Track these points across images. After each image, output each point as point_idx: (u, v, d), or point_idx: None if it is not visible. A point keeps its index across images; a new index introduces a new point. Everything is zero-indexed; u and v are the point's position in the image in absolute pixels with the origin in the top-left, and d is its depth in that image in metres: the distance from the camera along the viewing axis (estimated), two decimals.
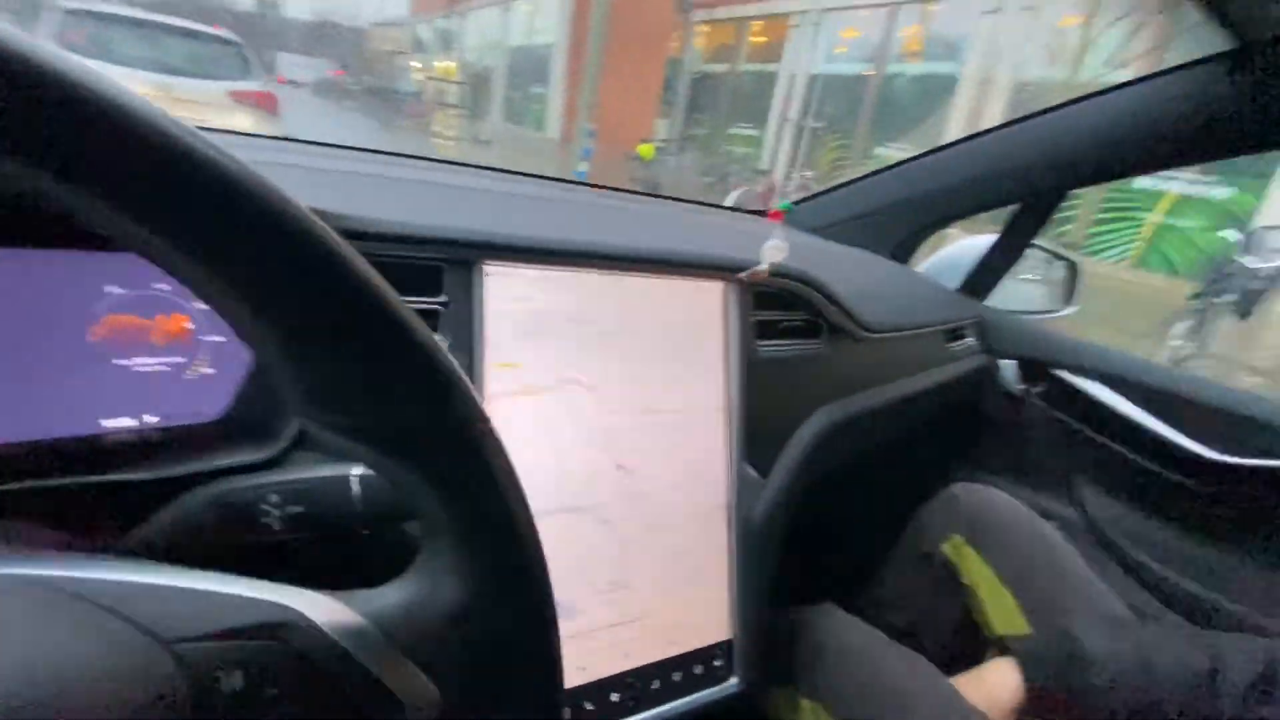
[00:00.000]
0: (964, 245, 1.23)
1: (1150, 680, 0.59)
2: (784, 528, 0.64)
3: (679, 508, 0.59)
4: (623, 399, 0.57)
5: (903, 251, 1.16)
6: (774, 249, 0.57)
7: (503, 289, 0.51)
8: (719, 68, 14.69)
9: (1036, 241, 1.13)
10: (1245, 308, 4.56)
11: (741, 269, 0.61)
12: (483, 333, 0.49)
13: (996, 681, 0.66)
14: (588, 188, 0.99)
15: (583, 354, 0.54)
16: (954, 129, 9.53)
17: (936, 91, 10.05)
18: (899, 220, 1.12)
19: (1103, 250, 8.52)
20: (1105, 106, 0.88)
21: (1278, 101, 0.73)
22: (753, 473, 0.62)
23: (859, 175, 1.19)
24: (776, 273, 0.60)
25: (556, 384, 0.53)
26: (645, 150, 10.51)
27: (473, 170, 0.86)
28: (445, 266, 0.48)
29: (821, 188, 1.23)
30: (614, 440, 0.56)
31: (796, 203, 1.24)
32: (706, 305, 0.61)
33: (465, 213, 0.56)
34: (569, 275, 0.54)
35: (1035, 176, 0.97)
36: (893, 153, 10.40)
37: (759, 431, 0.63)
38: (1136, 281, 7.90)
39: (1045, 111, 0.94)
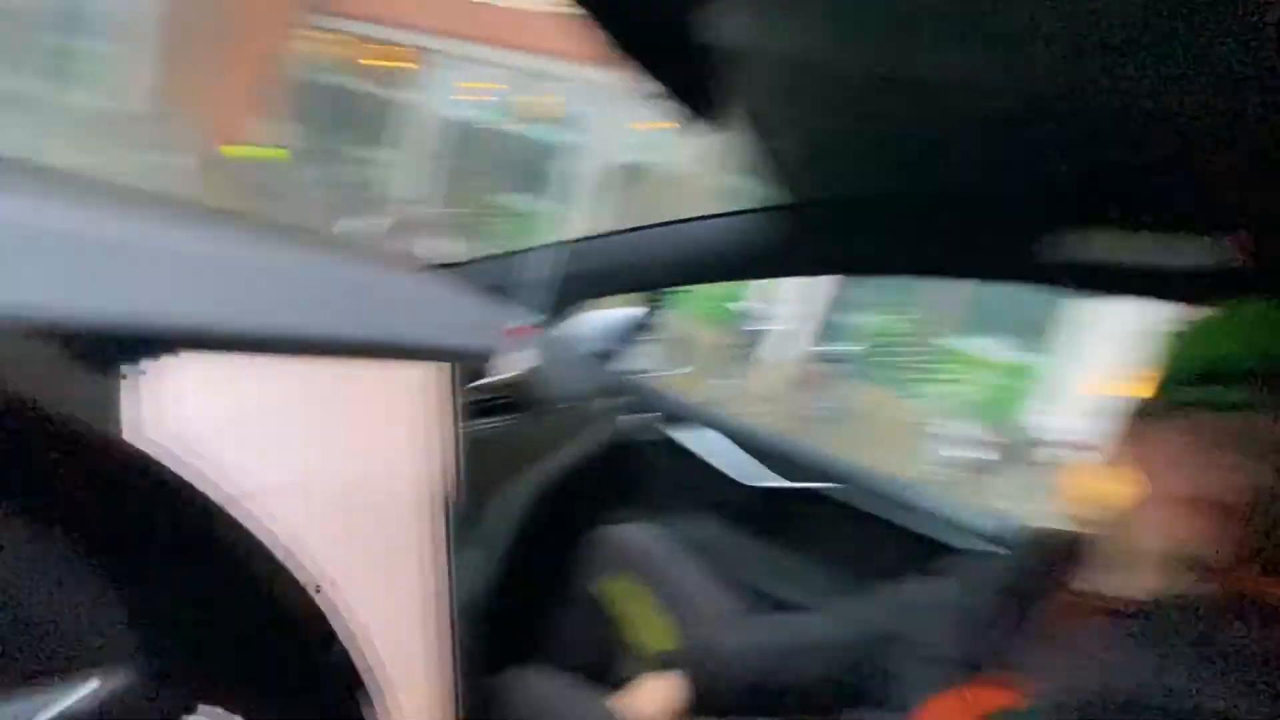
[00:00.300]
0: (600, 316, 1.45)
1: (769, 660, 0.81)
2: (495, 602, 0.65)
3: (386, 614, 0.55)
4: (321, 503, 0.50)
5: (559, 323, 1.31)
6: (523, 360, 0.59)
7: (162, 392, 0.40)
8: (344, 80, 13.55)
9: (660, 313, 1.41)
10: (750, 354, 6.47)
11: (457, 354, 0.61)
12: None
13: (657, 693, 0.80)
14: (216, 217, 0.81)
15: (275, 456, 0.47)
16: (583, 192, 10.96)
17: (564, 156, 11.36)
18: (558, 293, 1.26)
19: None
20: (708, 225, 1.18)
21: (810, 238, 1.08)
22: (466, 557, 0.62)
23: (522, 248, 1.29)
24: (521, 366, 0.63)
25: (242, 496, 0.44)
26: (250, 152, 8.93)
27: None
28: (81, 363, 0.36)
29: (484, 253, 1.28)
30: (313, 556, 0.49)
31: (457, 264, 1.28)
32: (413, 390, 0.59)
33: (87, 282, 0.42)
34: (252, 366, 0.46)
35: (645, 272, 1.22)
36: (521, 202, 11.28)
37: (470, 514, 0.63)
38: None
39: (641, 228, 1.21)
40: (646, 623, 0.94)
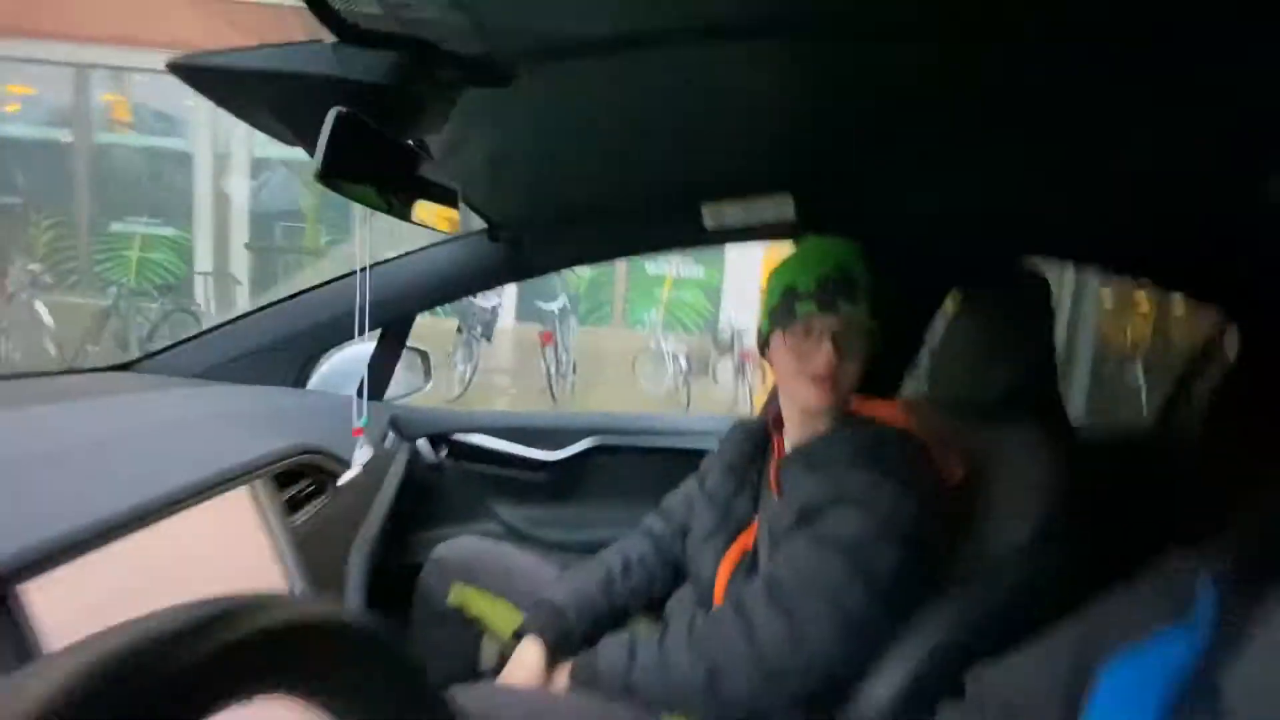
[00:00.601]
0: (346, 357, 1.46)
1: (598, 610, 1.03)
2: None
3: None
4: None
5: (303, 378, 1.29)
6: (361, 456, 0.65)
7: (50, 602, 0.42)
8: None
9: (411, 345, 1.47)
10: (488, 334, 6.56)
11: (258, 468, 0.65)
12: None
13: (525, 660, 0.97)
14: None
15: None
16: (204, 202, 9.24)
17: (169, 165, 9.40)
18: (295, 351, 1.25)
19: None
20: (423, 258, 1.28)
21: (516, 254, 1.27)
22: None
23: (234, 317, 1.24)
24: (308, 451, 0.68)
25: None
26: None
27: None
28: None
29: (193, 332, 1.22)
30: None
31: (155, 353, 1.18)
32: (242, 513, 0.63)
33: None
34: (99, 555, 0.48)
35: (391, 306, 1.29)
36: (133, 228, 9.16)
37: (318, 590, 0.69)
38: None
39: (384, 262, 1.28)
40: (496, 614, 1.09)
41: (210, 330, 1.22)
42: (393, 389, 1.50)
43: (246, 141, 9.35)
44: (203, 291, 8.71)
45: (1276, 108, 0.62)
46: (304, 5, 0.42)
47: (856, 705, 0.85)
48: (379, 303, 1.28)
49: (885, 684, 0.84)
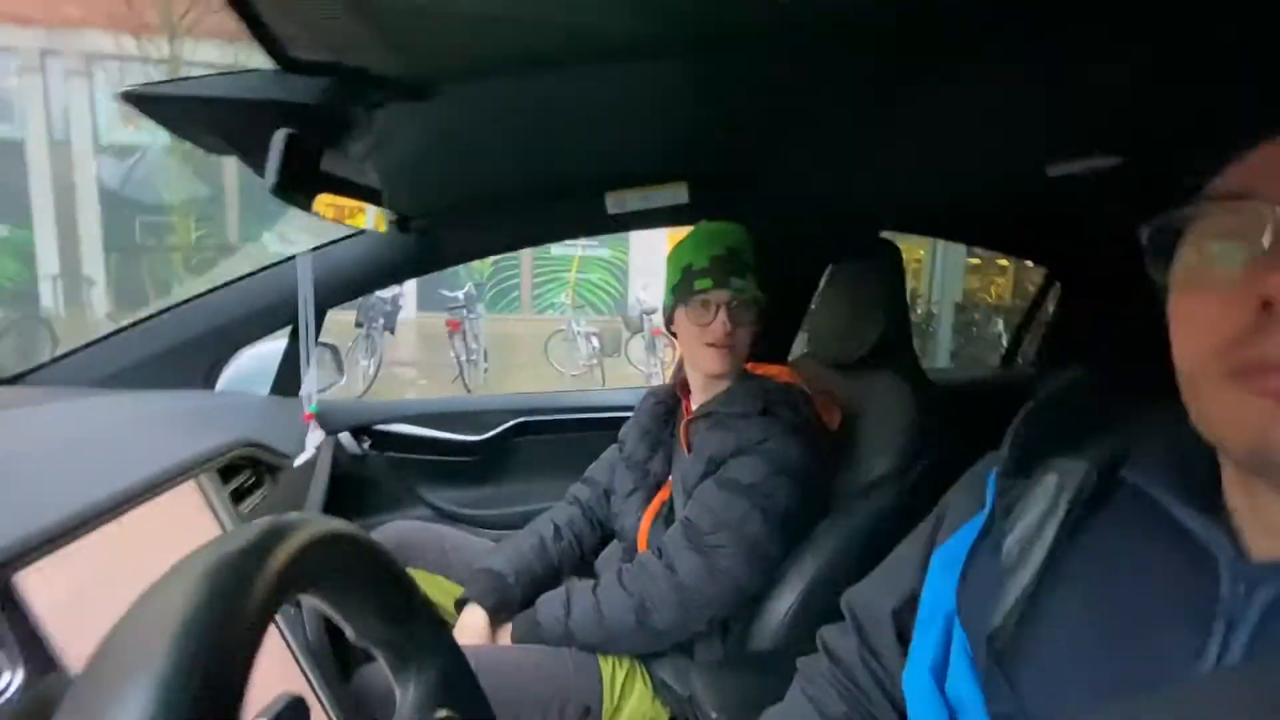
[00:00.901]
0: (254, 356, 1.43)
1: (534, 572, 1.12)
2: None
3: None
4: None
5: (212, 379, 1.27)
6: (314, 439, 0.69)
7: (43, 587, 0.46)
8: None
9: (321, 340, 1.47)
10: (390, 325, 6.33)
11: (202, 462, 0.69)
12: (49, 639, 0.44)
13: (470, 625, 1.05)
14: None
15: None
16: (41, 190, 8.17)
17: None
18: (203, 350, 1.23)
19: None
20: (332, 253, 1.28)
21: (426, 246, 1.31)
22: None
23: (133, 321, 1.20)
24: (249, 444, 0.72)
25: None
26: None
27: None
28: None
29: (91, 338, 1.16)
30: None
31: (46, 364, 1.13)
32: (193, 504, 0.66)
33: None
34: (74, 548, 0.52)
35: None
36: None
37: None
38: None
39: (291, 258, 1.27)
40: (436, 590, 1.15)
41: (106, 337, 1.17)
42: (306, 385, 1.50)
43: (89, 126, 8.34)
44: (51, 296, 7.76)
45: (1056, 108, 0.80)
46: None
47: (761, 622, 1.01)
48: (288, 300, 1.27)
49: (784, 601, 0.99)
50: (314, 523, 0.30)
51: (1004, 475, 0.50)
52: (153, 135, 7.62)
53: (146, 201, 8.65)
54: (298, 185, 0.55)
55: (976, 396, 1.84)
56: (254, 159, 0.55)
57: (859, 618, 0.60)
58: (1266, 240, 0.32)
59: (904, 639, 0.55)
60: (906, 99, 0.81)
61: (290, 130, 0.52)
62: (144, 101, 0.52)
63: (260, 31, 0.43)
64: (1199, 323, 0.35)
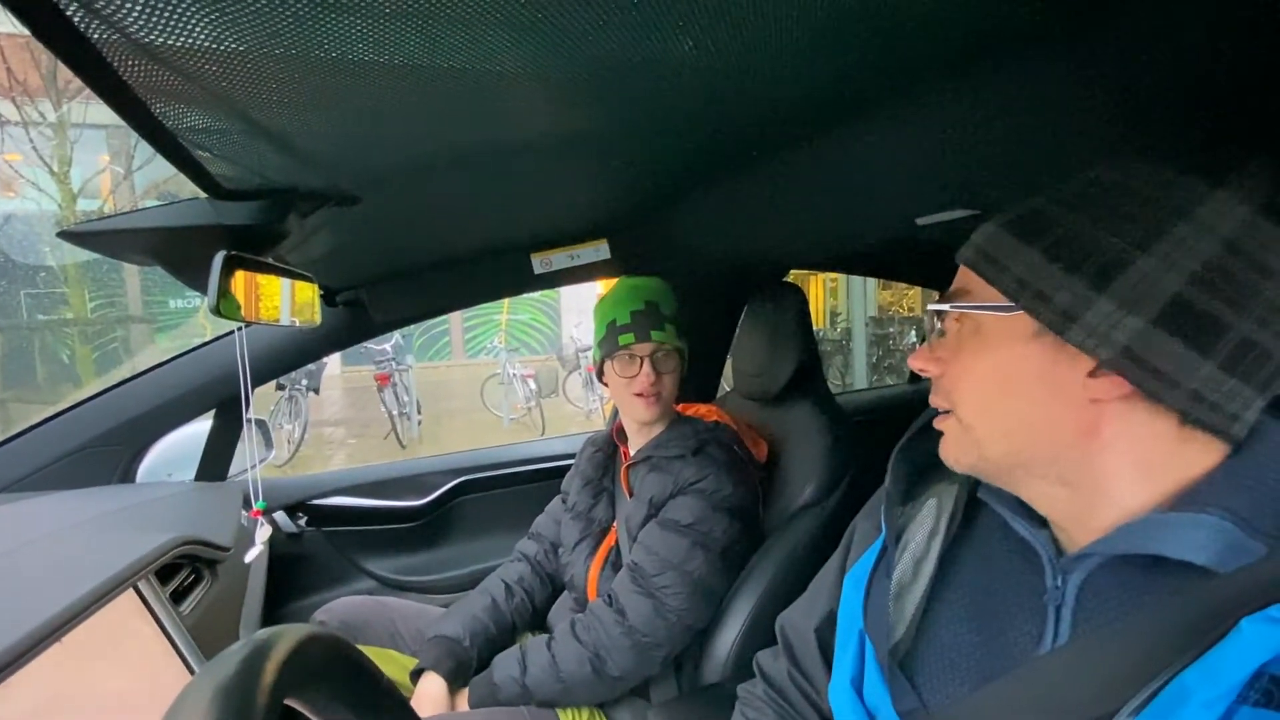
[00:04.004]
0: (174, 442, 1.39)
1: (489, 632, 1.13)
2: None
3: None
4: None
5: (131, 472, 1.23)
6: (262, 535, 0.69)
7: None
8: None
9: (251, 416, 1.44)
10: (314, 385, 6.08)
11: (140, 568, 0.68)
12: None
13: (427, 694, 1.05)
14: None
15: None
16: None
17: None
18: (120, 445, 1.19)
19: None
20: (261, 329, 1.28)
21: (355, 316, 1.32)
22: None
23: (40, 420, 1.15)
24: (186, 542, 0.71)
25: None
26: None
27: None
28: None
29: None
30: None
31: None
32: (133, 614, 0.65)
33: None
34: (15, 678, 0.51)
35: (229, 382, 1.27)
36: None
37: None
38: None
39: (220, 338, 1.26)
40: (393, 665, 1.14)
41: (13, 437, 1.11)
42: (235, 464, 1.45)
43: None
44: None
45: (924, 167, 0.92)
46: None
47: (710, 656, 1.06)
48: (212, 383, 1.26)
49: (730, 632, 1.05)
50: (289, 634, 0.33)
51: (891, 505, 0.58)
52: (36, 202, 7.13)
53: (32, 271, 7.98)
54: (233, 302, 0.58)
55: (888, 413, 1.99)
56: (192, 278, 0.57)
57: (789, 638, 0.66)
58: None
59: (827, 655, 0.62)
60: (796, 160, 0.92)
61: (228, 252, 0.55)
62: (83, 237, 0.54)
63: (194, 170, 0.47)
64: None
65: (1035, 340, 0.44)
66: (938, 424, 0.51)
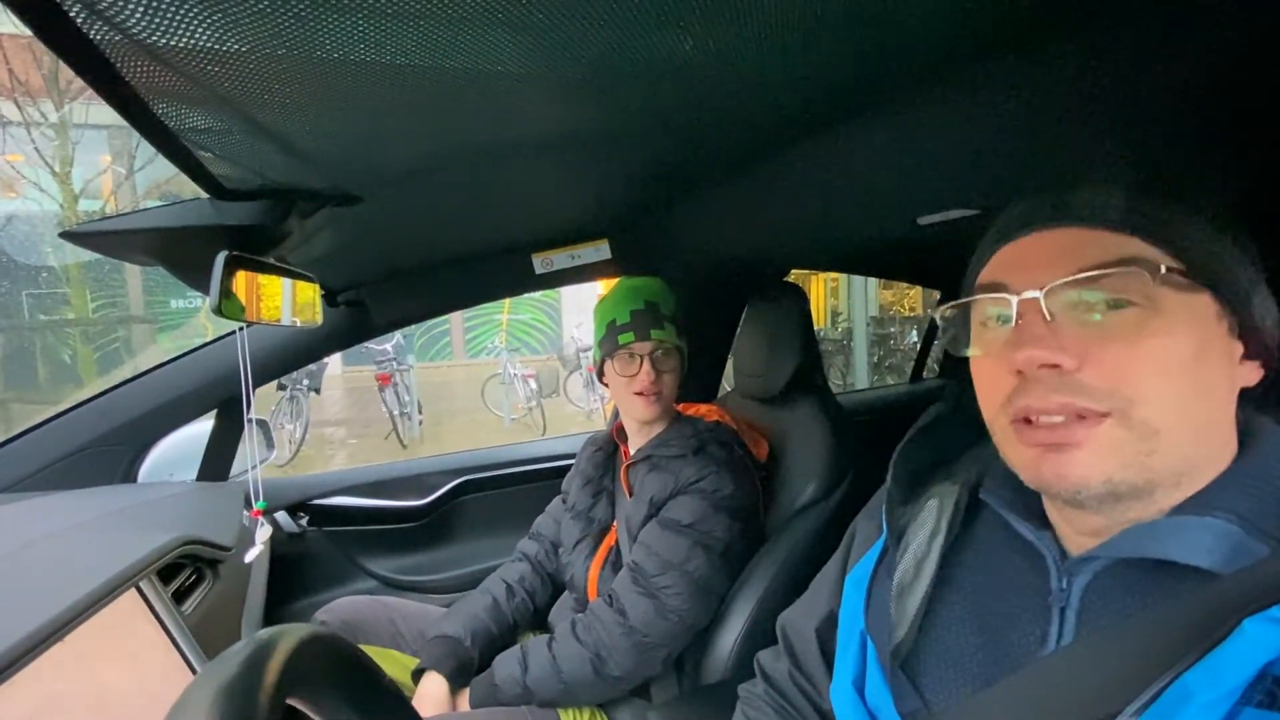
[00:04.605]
0: (176, 442, 1.39)
1: (490, 632, 1.13)
2: None
3: None
4: None
5: (133, 472, 1.23)
6: (262, 535, 0.69)
7: None
8: None
9: (253, 416, 1.44)
10: (315, 385, 6.09)
11: (142, 568, 0.68)
12: None
13: (429, 694, 1.05)
14: None
15: None
16: None
17: None
18: (124, 443, 1.19)
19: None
20: (262, 329, 1.28)
21: (356, 317, 1.32)
22: None
23: (42, 420, 1.15)
24: (188, 542, 0.71)
25: None
26: None
27: None
28: None
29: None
30: None
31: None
32: (136, 614, 0.65)
33: None
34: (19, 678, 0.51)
35: (231, 382, 1.28)
36: None
37: None
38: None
39: (222, 338, 1.26)
40: (394, 664, 1.14)
41: (12, 439, 1.12)
42: (237, 465, 1.46)
43: None
44: None
45: (924, 165, 0.93)
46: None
47: (711, 656, 1.06)
48: (213, 383, 1.26)
49: (731, 632, 1.05)
50: (291, 633, 0.34)
51: (892, 505, 0.58)
52: (38, 203, 7.13)
53: (34, 271, 7.98)
54: (235, 301, 0.58)
55: (889, 413, 1.99)
56: (193, 279, 0.57)
57: (789, 638, 0.66)
58: (1013, 322, 0.42)
59: (828, 655, 0.61)
60: (797, 159, 0.92)
61: (230, 252, 0.55)
62: (85, 238, 0.54)
63: (196, 171, 0.47)
64: (986, 384, 0.46)
65: (1219, 322, 0.39)
66: (1067, 437, 0.40)
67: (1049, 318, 0.40)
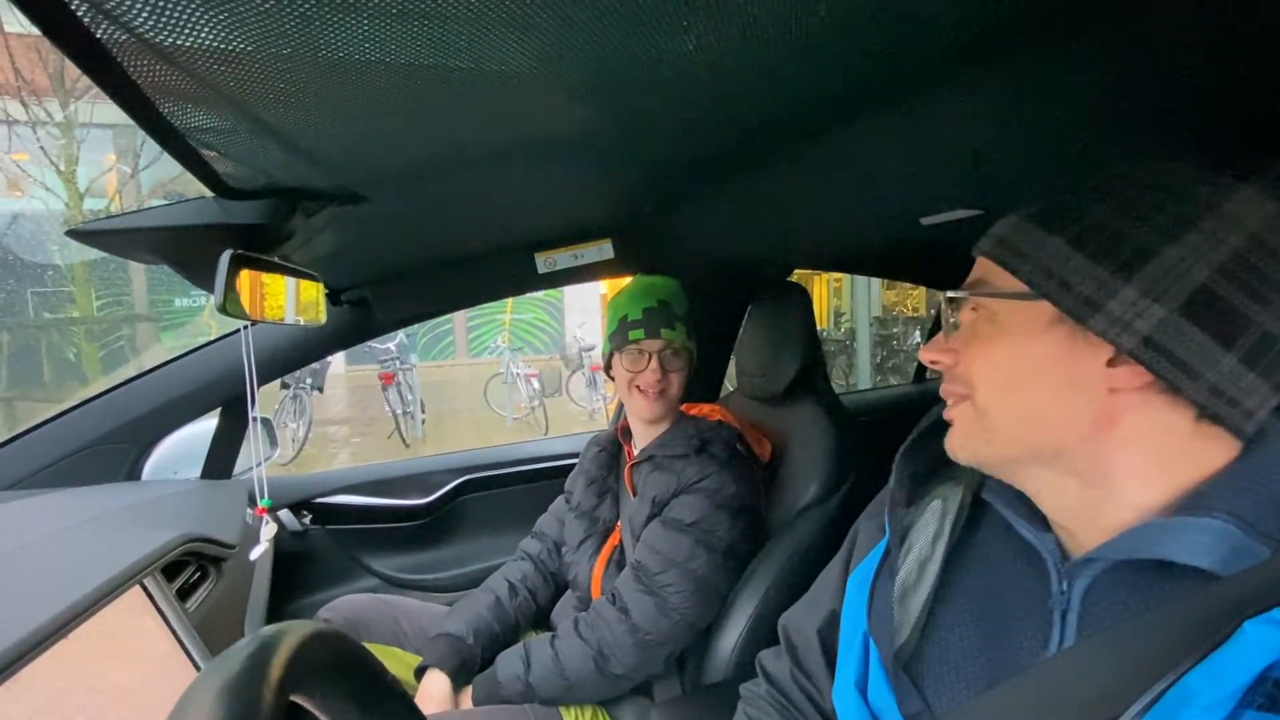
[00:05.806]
0: (180, 440, 1.39)
1: (492, 631, 1.13)
2: None
3: None
4: None
5: (137, 470, 1.24)
6: (267, 533, 0.70)
7: None
8: None
9: (256, 414, 1.44)
10: (319, 384, 6.10)
11: (146, 565, 0.68)
12: None
13: (431, 692, 1.05)
14: None
15: None
16: None
17: None
18: (128, 442, 1.19)
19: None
20: (266, 328, 1.28)
21: (360, 315, 1.33)
22: None
23: (47, 418, 1.16)
24: (192, 539, 0.72)
25: None
26: None
27: None
28: None
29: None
30: None
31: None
32: (140, 610, 0.65)
33: None
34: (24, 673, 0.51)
35: (235, 381, 1.28)
36: None
37: None
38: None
39: (225, 337, 1.26)
40: (397, 662, 1.15)
41: (17, 437, 1.12)
42: (240, 463, 1.46)
43: None
44: None
45: (927, 166, 0.93)
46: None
47: (713, 655, 1.06)
48: (217, 381, 1.26)
49: (733, 632, 1.05)
50: (294, 630, 0.34)
51: (895, 506, 0.57)
52: (43, 201, 7.16)
53: (39, 270, 8.01)
54: (239, 301, 0.58)
55: (892, 413, 1.99)
56: (198, 277, 0.57)
57: (791, 639, 0.66)
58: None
59: (829, 655, 0.61)
60: (800, 159, 0.92)
61: (234, 251, 0.56)
62: (91, 236, 0.54)
63: (201, 169, 0.47)
64: None
65: (1053, 328, 0.44)
66: (948, 414, 0.51)
67: (955, 326, 0.51)
